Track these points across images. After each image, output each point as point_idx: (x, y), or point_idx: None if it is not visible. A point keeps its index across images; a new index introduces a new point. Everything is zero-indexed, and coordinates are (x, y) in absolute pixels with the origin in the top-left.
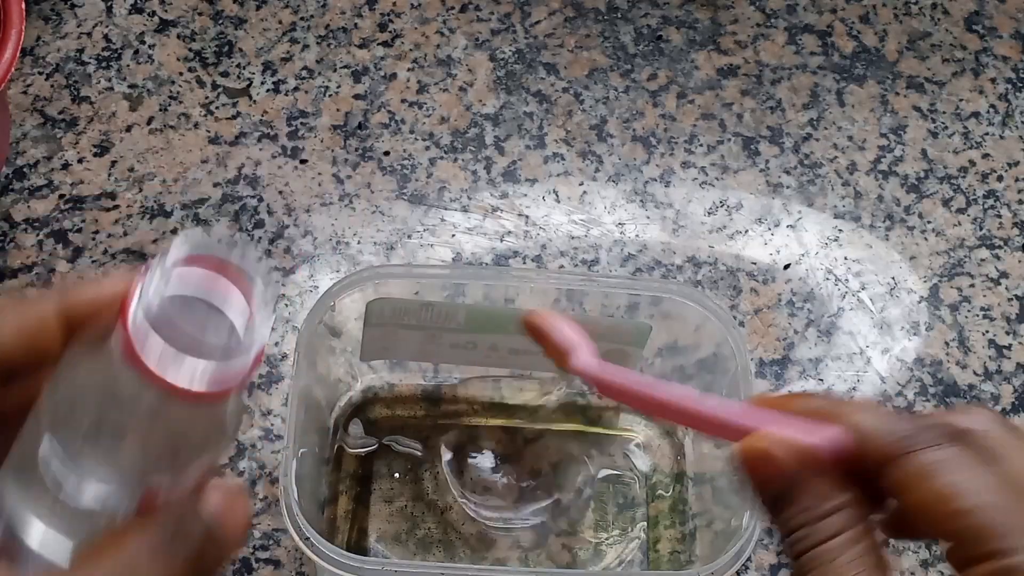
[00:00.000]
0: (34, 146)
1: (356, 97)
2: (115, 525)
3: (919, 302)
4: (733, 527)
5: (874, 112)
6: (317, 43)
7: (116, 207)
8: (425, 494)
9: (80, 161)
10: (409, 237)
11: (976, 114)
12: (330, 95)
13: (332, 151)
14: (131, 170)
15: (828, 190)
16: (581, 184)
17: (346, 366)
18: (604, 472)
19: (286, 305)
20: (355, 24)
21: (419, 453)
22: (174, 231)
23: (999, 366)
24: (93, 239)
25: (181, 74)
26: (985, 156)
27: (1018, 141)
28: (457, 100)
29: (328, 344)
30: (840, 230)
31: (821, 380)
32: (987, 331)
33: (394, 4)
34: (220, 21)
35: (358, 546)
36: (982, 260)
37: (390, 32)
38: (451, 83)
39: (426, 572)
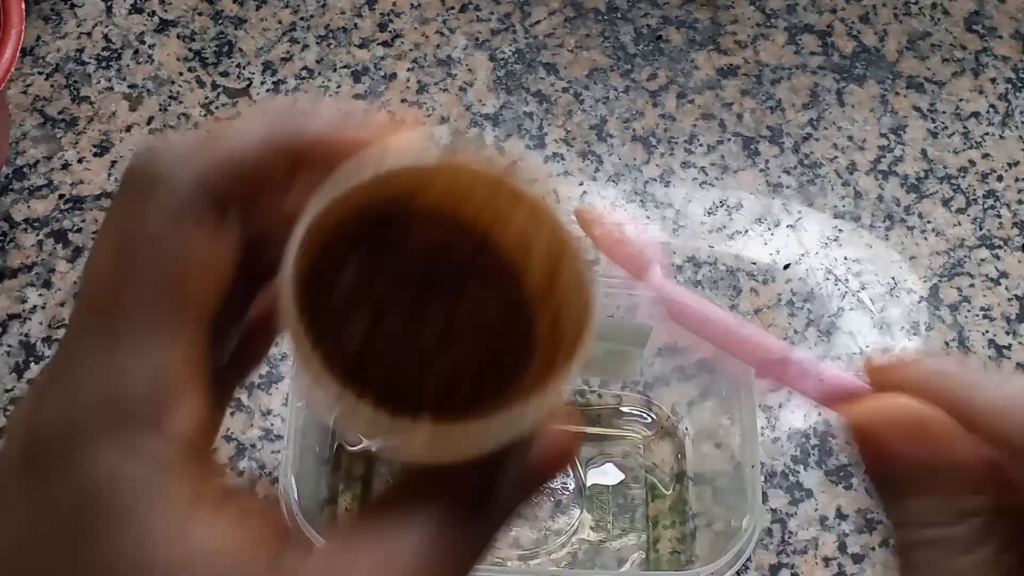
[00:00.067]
0: (34, 146)
1: (356, 97)
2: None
3: (919, 302)
4: (733, 527)
5: (874, 112)
6: (317, 43)
7: None
8: None
9: (80, 161)
10: None
11: (976, 114)
12: (330, 95)
13: None
14: None
15: (828, 190)
16: (581, 184)
17: None
18: (604, 472)
19: None
20: (355, 24)
21: None
22: None
23: (999, 366)
24: (93, 239)
25: (181, 74)
26: (985, 156)
27: (1018, 141)
28: (457, 100)
29: None
30: (840, 230)
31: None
32: (987, 331)
33: (394, 4)
34: (220, 21)
35: None
36: (982, 260)
37: (390, 32)
38: (451, 83)
39: None
